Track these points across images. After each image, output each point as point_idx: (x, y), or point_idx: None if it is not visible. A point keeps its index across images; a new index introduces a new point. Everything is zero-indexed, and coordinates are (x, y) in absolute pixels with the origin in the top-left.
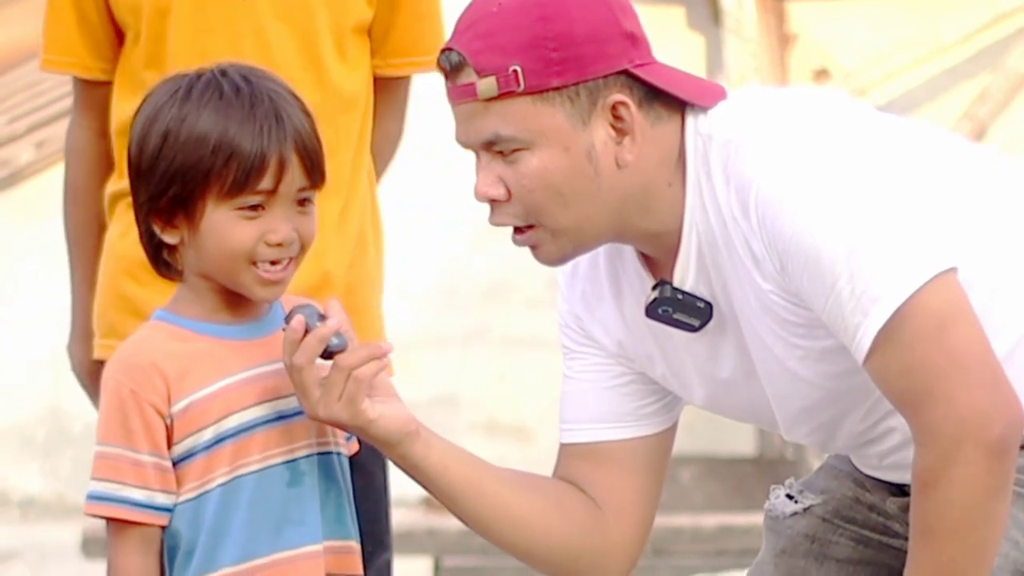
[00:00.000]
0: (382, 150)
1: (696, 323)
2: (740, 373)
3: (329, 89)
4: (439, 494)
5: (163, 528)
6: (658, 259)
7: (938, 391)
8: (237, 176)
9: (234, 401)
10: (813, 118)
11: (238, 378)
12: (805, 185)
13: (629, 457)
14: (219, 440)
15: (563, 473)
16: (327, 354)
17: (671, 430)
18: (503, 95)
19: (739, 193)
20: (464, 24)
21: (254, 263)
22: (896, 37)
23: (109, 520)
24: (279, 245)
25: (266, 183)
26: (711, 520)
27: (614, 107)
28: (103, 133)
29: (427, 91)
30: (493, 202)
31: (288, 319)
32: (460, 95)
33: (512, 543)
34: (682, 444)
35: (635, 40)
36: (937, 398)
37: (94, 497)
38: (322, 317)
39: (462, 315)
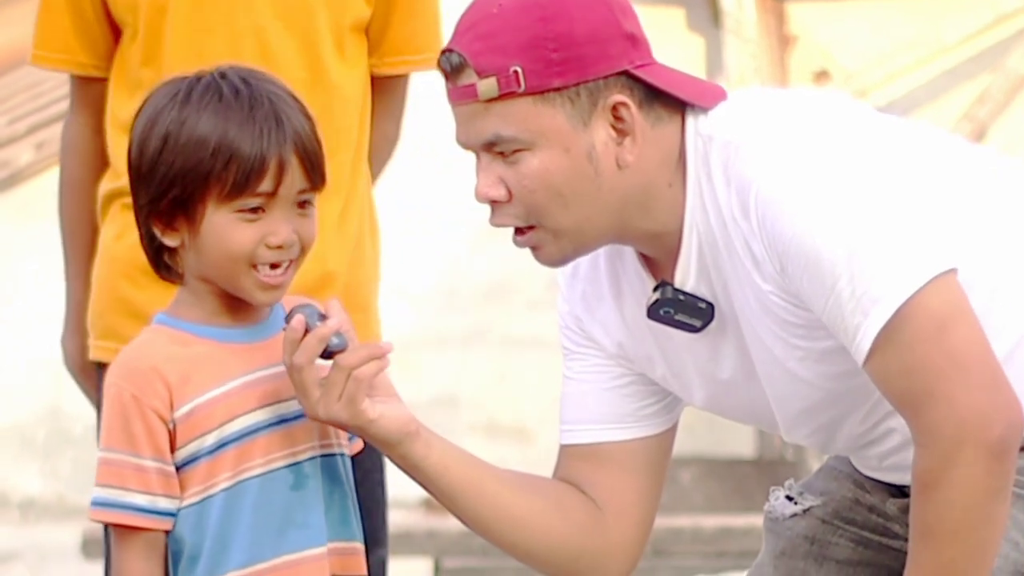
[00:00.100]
0: (379, 150)
1: (698, 324)
2: (740, 374)
3: (328, 88)
4: (439, 494)
5: (167, 533)
6: (658, 260)
7: (938, 392)
8: (237, 179)
9: (236, 405)
10: (813, 119)
11: (240, 382)
12: (805, 186)
13: (629, 458)
14: (222, 445)
15: (563, 474)
16: (327, 354)
17: (671, 431)
18: (504, 96)
19: (739, 194)
20: (464, 25)
21: (254, 266)
22: (897, 38)
23: (113, 526)
24: (279, 247)
25: (266, 185)
26: (711, 521)
27: (615, 108)
28: (99, 129)
29: (427, 91)
30: (494, 203)
31: (288, 319)
32: (461, 96)
33: (512, 543)
34: (682, 445)
35: (635, 41)
36: (937, 399)
37: (98, 503)
38: (322, 317)
39: (462, 316)
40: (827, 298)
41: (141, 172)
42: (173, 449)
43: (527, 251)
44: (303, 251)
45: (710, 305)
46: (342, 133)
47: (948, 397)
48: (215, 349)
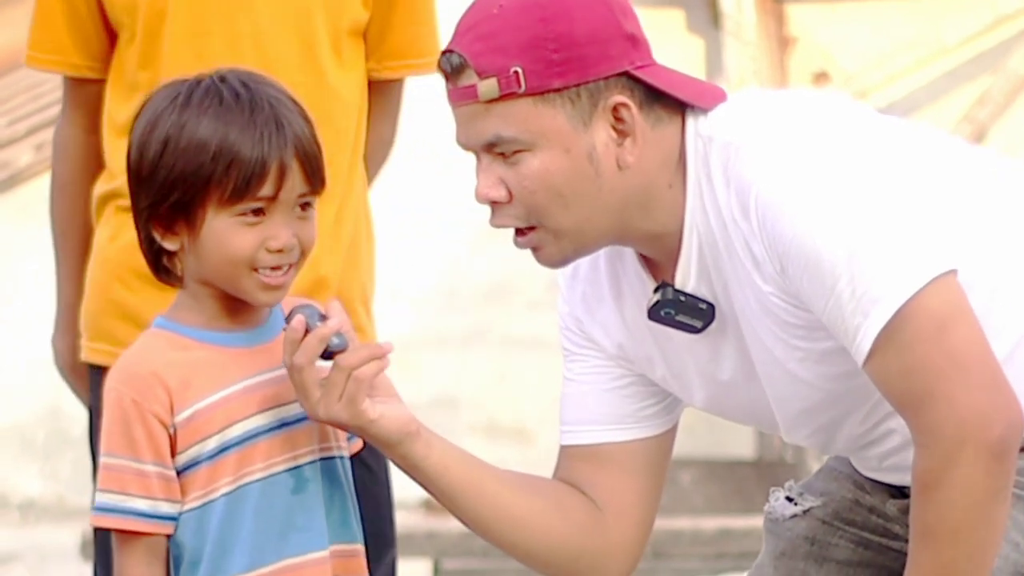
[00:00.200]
0: (375, 154)
1: (698, 324)
2: (741, 375)
3: (327, 91)
4: (439, 494)
5: (168, 537)
6: (659, 261)
7: (938, 392)
8: (238, 183)
9: (236, 410)
10: (813, 120)
11: (240, 387)
12: (805, 187)
13: (629, 459)
14: (223, 449)
15: (563, 475)
16: (327, 354)
17: (671, 432)
18: (504, 96)
19: (739, 195)
20: (465, 26)
21: (255, 269)
22: (896, 39)
23: (114, 531)
24: (280, 251)
25: (267, 189)
26: (710, 523)
27: (615, 108)
28: (91, 130)
29: (426, 93)
30: (494, 204)
31: (288, 319)
32: (461, 97)
33: (512, 544)
34: (682, 447)
35: (636, 42)
36: (937, 399)
37: (99, 509)
38: (323, 317)
39: (462, 316)
40: (827, 299)
41: (141, 176)
42: (174, 454)
43: (527, 252)
44: (303, 254)
45: (710, 306)
46: (339, 136)
47: (948, 397)
48: (215, 353)
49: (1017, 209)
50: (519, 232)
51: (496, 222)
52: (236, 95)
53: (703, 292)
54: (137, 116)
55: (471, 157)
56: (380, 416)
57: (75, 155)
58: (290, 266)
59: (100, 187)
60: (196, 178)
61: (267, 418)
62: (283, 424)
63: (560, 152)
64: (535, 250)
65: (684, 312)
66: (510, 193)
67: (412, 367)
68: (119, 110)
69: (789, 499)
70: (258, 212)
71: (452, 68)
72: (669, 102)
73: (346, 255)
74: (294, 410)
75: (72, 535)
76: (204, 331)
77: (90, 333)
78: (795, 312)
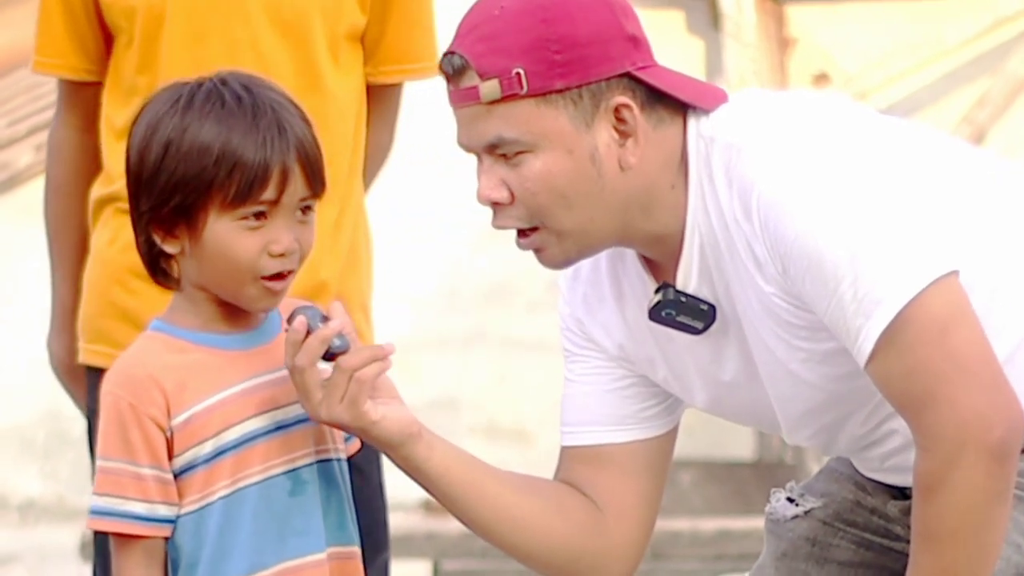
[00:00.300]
0: (372, 158)
1: (700, 325)
2: (743, 376)
3: (325, 96)
4: (440, 496)
5: (166, 540)
6: (660, 262)
7: (940, 394)
8: (240, 187)
9: (233, 413)
10: (815, 121)
11: (237, 389)
12: (807, 188)
13: (630, 460)
14: (220, 453)
15: (564, 476)
16: (329, 356)
17: (672, 433)
18: (506, 98)
19: (741, 196)
20: (466, 27)
21: (258, 278)
22: (896, 41)
23: (112, 535)
24: (281, 256)
25: (269, 193)
26: (710, 524)
27: (617, 109)
28: (86, 131)
29: (428, 95)
30: (496, 205)
31: (290, 320)
32: (463, 98)
33: (513, 545)
34: (681, 448)
35: (637, 43)
36: (939, 401)
37: (97, 512)
38: (324, 319)
39: (463, 317)
40: (829, 300)
41: (142, 179)
42: (171, 457)
43: (527, 253)
44: (302, 258)
45: (712, 307)
46: (337, 141)
47: (949, 399)
48: (212, 356)
49: (1017, 210)
50: (521, 234)
51: (498, 223)
52: (238, 99)
53: (704, 293)
54: (137, 119)
55: (472, 159)
56: (382, 417)
57: (70, 156)
58: (289, 271)
59: (98, 190)
60: (198, 182)
61: (264, 420)
62: (280, 426)
63: (562, 153)
64: (538, 252)
65: (685, 313)
66: (512, 194)
67: (412, 368)
68: (117, 114)
69: (790, 500)
70: (260, 216)
71: (454, 69)
72: (671, 103)
73: (345, 259)
74: (291, 412)
75: (72, 536)
76: (201, 334)
77: (88, 335)
78: (797, 313)
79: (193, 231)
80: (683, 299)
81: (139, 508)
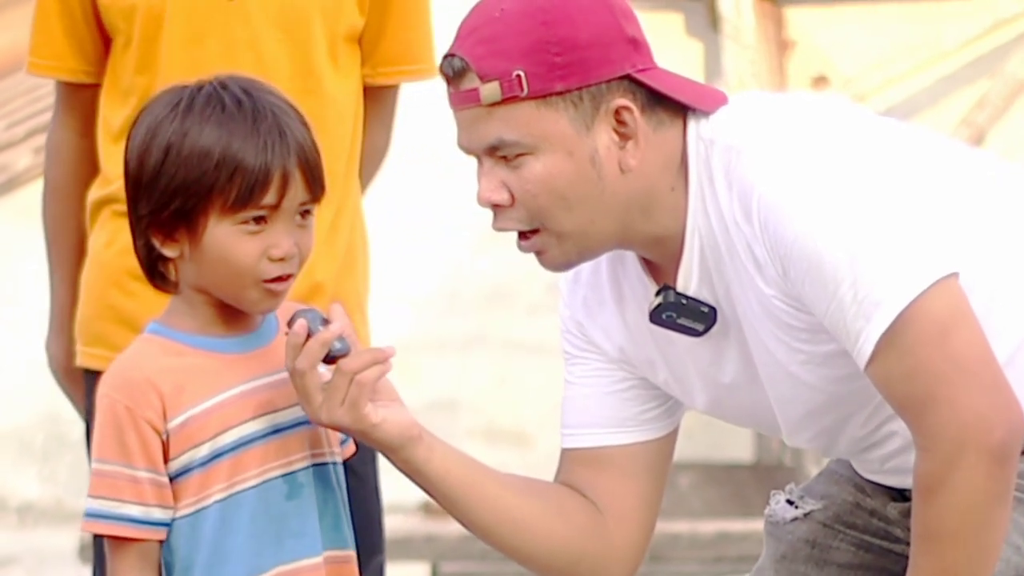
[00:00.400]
0: (369, 160)
1: (700, 327)
2: (743, 378)
3: (323, 97)
4: (441, 498)
5: (161, 543)
6: (660, 264)
7: (940, 396)
8: (241, 191)
9: (230, 416)
10: (815, 123)
11: (233, 393)
12: (807, 190)
13: (630, 462)
14: (216, 456)
15: (564, 478)
16: (329, 359)
17: (672, 435)
18: (506, 100)
19: (741, 198)
20: (467, 29)
21: (260, 281)
22: (895, 43)
23: (107, 537)
24: (281, 260)
25: (269, 198)
26: (709, 526)
27: (617, 111)
28: (84, 133)
29: (427, 97)
30: (496, 207)
31: (290, 323)
32: (463, 100)
33: (513, 547)
34: (680, 450)
35: (637, 45)
36: (939, 403)
37: (92, 515)
38: (325, 322)
39: (463, 320)
40: (829, 302)
41: (141, 183)
42: (166, 460)
43: (527, 255)
44: (301, 262)
45: (712, 309)
46: (335, 143)
47: (950, 401)
48: (209, 360)
49: (1016, 212)
50: (523, 236)
51: (499, 225)
52: (238, 103)
53: (705, 295)
54: (136, 122)
55: (472, 161)
56: (382, 420)
57: (68, 159)
58: (289, 274)
59: (95, 192)
60: (198, 186)
61: (261, 424)
62: (277, 430)
63: (563, 155)
64: (539, 254)
65: (686, 315)
66: (512, 196)
67: (412, 370)
68: (114, 115)
69: (790, 502)
70: (260, 220)
71: (454, 72)
72: (671, 105)
73: (342, 261)
74: (288, 416)
75: (70, 538)
76: (198, 337)
77: (86, 338)
78: (797, 315)
79: (193, 235)
80: (684, 301)
81: (134, 511)
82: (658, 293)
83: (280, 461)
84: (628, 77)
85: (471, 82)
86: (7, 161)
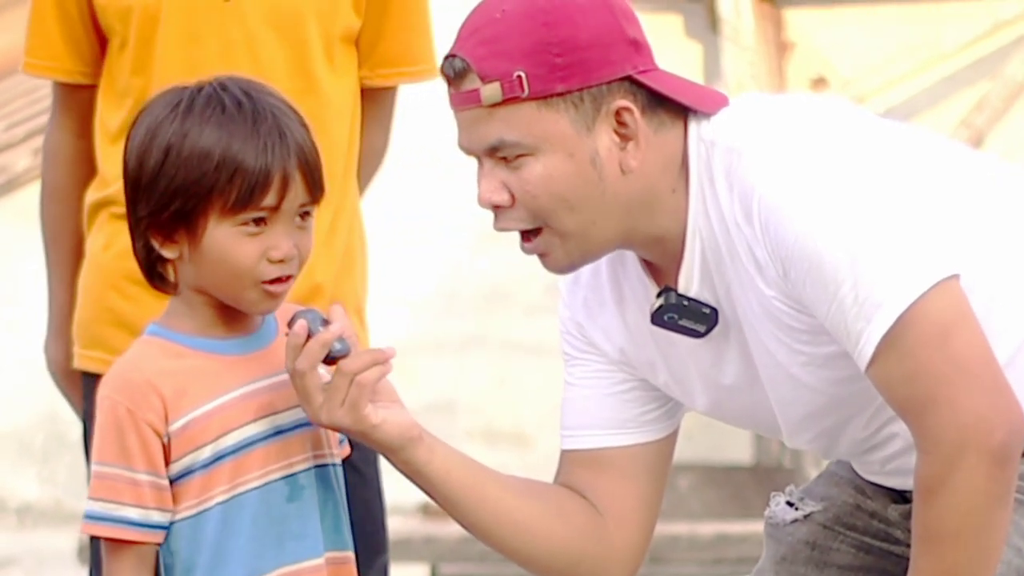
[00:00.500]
0: (367, 162)
1: (702, 329)
2: (744, 379)
3: (320, 98)
4: (441, 499)
5: (158, 545)
6: (661, 266)
7: (941, 397)
8: (241, 193)
9: (231, 418)
10: (816, 125)
11: (235, 395)
12: (808, 192)
13: (630, 464)
14: (218, 458)
15: (564, 480)
16: (329, 360)
17: (672, 436)
18: (507, 101)
19: (742, 200)
20: (468, 30)
21: (259, 282)
22: (895, 45)
23: (105, 539)
24: (281, 261)
25: (270, 199)
26: (708, 528)
27: (618, 113)
28: (81, 135)
29: (427, 98)
30: (497, 208)
31: (290, 324)
32: (464, 101)
33: (514, 548)
34: (680, 452)
35: (638, 46)
36: (940, 404)
37: (91, 517)
38: (325, 322)
39: (461, 321)
40: (830, 303)
41: (141, 184)
42: (167, 462)
43: (526, 257)
44: (300, 264)
45: (713, 310)
46: (333, 143)
47: (951, 402)
48: (209, 362)
49: (1016, 214)
50: (526, 238)
51: (500, 226)
52: (238, 104)
53: (706, 296)
54: (135, 123)
55: (470, 162)
56: (383, 421)
57: (65, 160)
58: (289, 276)
59: (92, 194)
60: (198, 187)
61: (262, 426)
62: (279, 431)
63: (563, 156)
64: (542, 256)
65: (687, 316)
66: (513, 197)
67: (410, 372)
68: (111, 117)
69: (790, 504)
70: (259, 222)
71: (455, 72)
72: (672, 107)
73: (340, 263)
74: (289, 417)
75: (69, 539)
76: (198, 338)
77: (84, 341)
78: (798, 316)
79: (192, 236)
80: (685, 303)
81: (133, 514)
82: (659, 295)
83: (281, 463)
84: (629, 78)
85: (472, 83)
86: (6, 162)
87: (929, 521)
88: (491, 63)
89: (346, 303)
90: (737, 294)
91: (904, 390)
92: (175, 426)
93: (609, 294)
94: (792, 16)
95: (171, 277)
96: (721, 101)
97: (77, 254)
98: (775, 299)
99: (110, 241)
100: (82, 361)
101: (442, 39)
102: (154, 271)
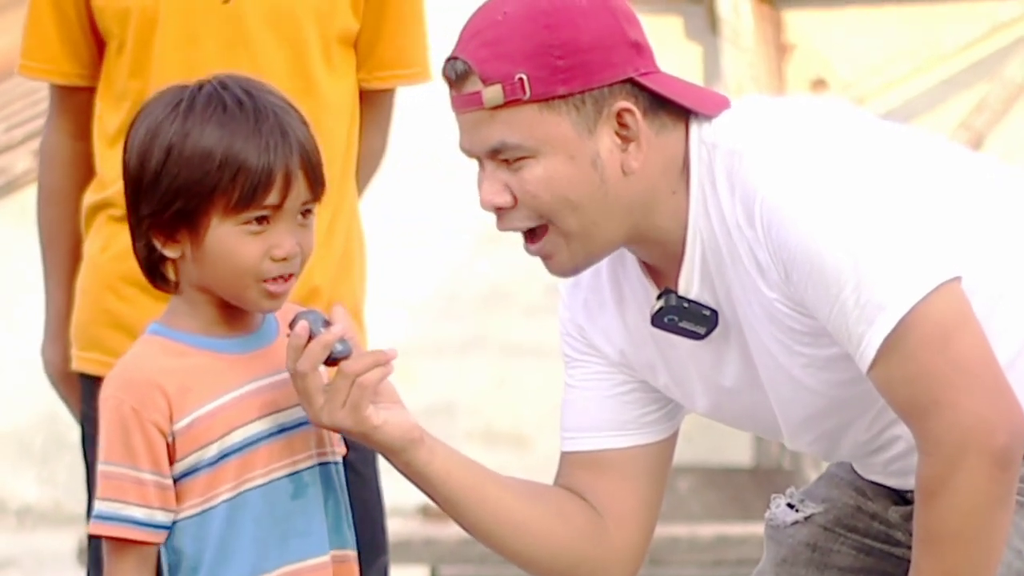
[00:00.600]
0: (366, 164)
1: (702, 331)
2: (744, 381)
3: (317, 100)
4: (441, 501)
5: (159, 545)
6: (661, 268)
7: (943, 399)
8: (244, 192)
9: (236, 417)
10: (817, 127)
11: (238, 393)
12: (810, 194)
13: (630, 465)
14: (224, 456)
15: (564, 481)
16: (331, 360)
17: (672, 438)
18: (509, 103)
19: (744, 202)
20: (469, 33)
21: (261, 280)
22: (894, 47)
23: (108, 539)
24: (284, 260)
25: (272, 198)
26: (708, 530)
27: (619, 114)
28: (78, 136)
29: (427, 100)
30: (499, 210)
31: (292, 325)
32: (465, 104)
33: (514, 550)
34: (679, 454)
35: (640, 49)
36: (942, 406)
37: (99, 517)
38: (326, 323)
39: (461, 322)
40: (832, 306)
41: (142, 184)
42: (172, 461)
43: (526, 258)
44: (303, 262)
45: (714, 312)
46: (331, 145)
47: (952, 404)
48: (213, 360)
49: (1017, 215)
50: (529, 239)
51: (503, 226)
52: (239, 103)
53: (706, 298)
54: (135, 122)
55: (470, 164)
56: (384, 423)
57: (63, 162)
58: (291, 274)
59: (90, 196)
60: (201, 187)
61: (266, 424)
62: (282, 429)
63: (564, 159)
64: (546, 259)
65: (687, 318)
66: (515, 198)
67: (410, 374)
68: (109, 119)
69: (790, 506)
70: (262, 220)
71: (457, 75)
72: (673, 109)
73: (338, 265)
74: (292, 415)
75: (69, 541)
76: (201, 337)
77: (81, 343)
78: (800, 319)
79: (195, 236)
80: (685, 305)
81: (138, 513)
82: (659, 296)
83: (285, 461)
84: (631, 81)
85: (474, 85)
86: (6, 164)
87: (930, 523)
88: (493, 65)
89: (344, 305)
90: (738, 296)
91: (906, 392)
92: (180, 424)
93: (609, 296)
94: (792, 18)
95: (172, 277)
96: (722, 103)
97: (74, 256)
98: (776, 301)
99: (108, 243)
100: (80, 363)
101: (441, 40)
102: (155, 271)
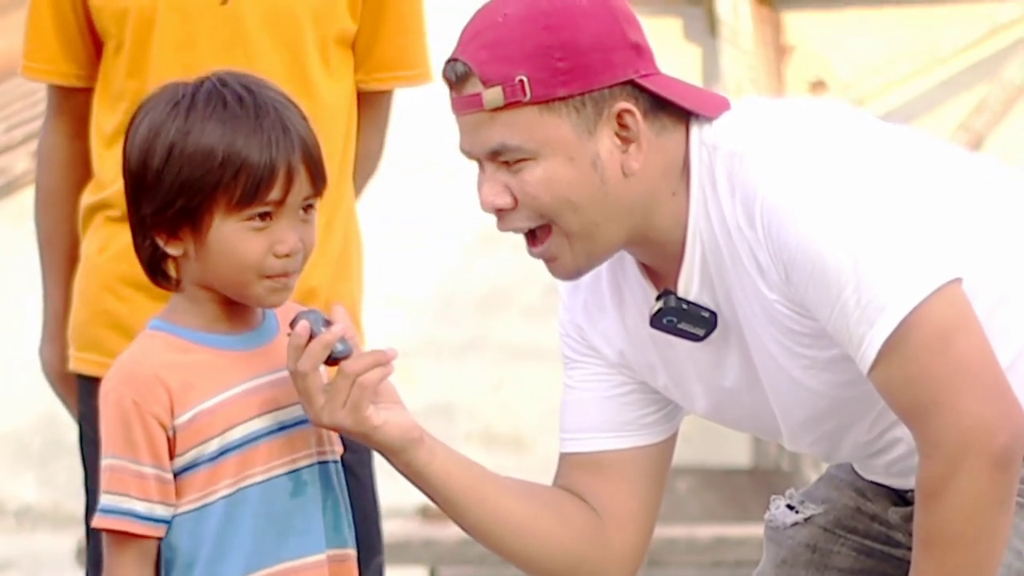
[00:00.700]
0: (363, 165)
1: (701, 332)
2: (744, 383)
3: (315, 100)
4: (441, 501)
5: (159, 539)
6: (660, 269)
7: (943, 401)
8: (246, 188)
9: (237, 413)
10: (818, 128)
11: (240, 389)
12: (811, 195)
13: (629, 466)
14: (224, 452)
15: (563, 482)
16: (331, 360)
17: (671, 439)
18: (509, 105)
19: (745, 203)
20: (469, 34)
21: (264, 276)
22: (893, 48)
23: (109, 533)
24: (287, 256)
25: (275, 194)
26: (706, 531)
27: (620, 115)
28: (76, 137)
29: (427, 102)
30: (499, 211)
31: (293, 324)
32: (465, 105)
33: (514, 551)
34: (678, 455)
35: (640, 50)
36: (942, 408)
37: (102, 510)
38: (327, 323)
39: (459, 324)
40: (832, 307)
41: (144, 183)
42: (172, 456)
43: (525, 259)
44: (305, 257)
45: (713, 314)
46: (328, 146)
47: (953, 406)
48: (214, 356)
49: (1017, 216)
50: (532, 241)
51: (504, 227)
52: (240, 99)
53: (705, 300)
54: (135, 121)
55: (469, 165)
56: (384, 423)
57: (60, 163)
58: (294, 270)
59: (88, 197)
60: (203, 184)
61: (267, 421)
62: (282, 427)
63: (564, 160)
64: (549, 261)
65: (686, 320)
66: (515, 200)
67: (409, 375)
68: (107, 120)
69: (790, 507)
70: (265, 216)
71: (457, 76)
72: (673, 110)
73: (335, 265)
74: (292, 413)
75: (68, 542)
76: (202, 333)
77: (79, 343)
78: (800, 320)
79: (197, 233)
80: (685, 306)
81: (139, 507)
82: (659, 298)
83: (285, 458)
84: (631, 82)
85: (474, 87)
86: (5, 164)
87: (930, 524)
88: (493, 67)
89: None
90: (738, 297)
91: (906, 394)
92: (181, 419)
93: (609, 297)
94: (791, 19)
95: (173, 274)
96: (723, 105)
97: (72, 257)
98: (777, 302)
99: (105, 244)
100: (77, 364)
101: (441, 40)
102: (157, 268)
